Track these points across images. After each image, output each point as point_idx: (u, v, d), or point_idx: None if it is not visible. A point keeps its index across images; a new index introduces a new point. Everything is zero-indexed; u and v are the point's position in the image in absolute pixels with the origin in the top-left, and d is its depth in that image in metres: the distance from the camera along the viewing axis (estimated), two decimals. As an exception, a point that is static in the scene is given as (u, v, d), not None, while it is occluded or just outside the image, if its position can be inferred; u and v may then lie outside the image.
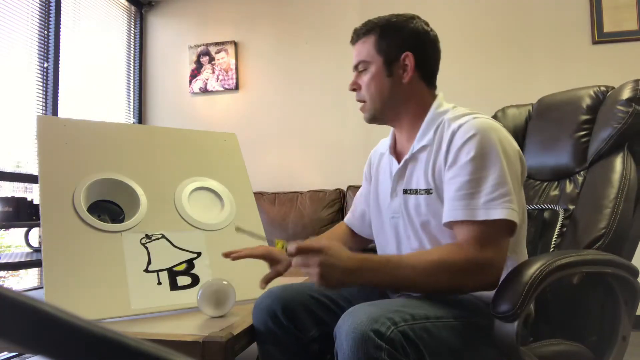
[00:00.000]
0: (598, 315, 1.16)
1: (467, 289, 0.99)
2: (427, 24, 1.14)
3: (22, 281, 2.87)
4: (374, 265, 0.92)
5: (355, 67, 1.14)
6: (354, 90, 1.15)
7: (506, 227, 0.95)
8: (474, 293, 1.02)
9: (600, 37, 3.05)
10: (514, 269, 0.98)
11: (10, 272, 2.73)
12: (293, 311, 1.10)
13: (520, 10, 3.21)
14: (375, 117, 1.13)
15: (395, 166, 1.13)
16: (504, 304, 0.93)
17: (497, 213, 0.92)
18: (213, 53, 3.73)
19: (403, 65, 1.08)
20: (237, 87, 3.67)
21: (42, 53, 2.94)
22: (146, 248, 1.26)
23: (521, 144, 1.55)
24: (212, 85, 3.72)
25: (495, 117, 1.60)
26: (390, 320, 0.84)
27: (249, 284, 1.35)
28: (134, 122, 3.78)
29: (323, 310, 1.13)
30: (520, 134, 1.56)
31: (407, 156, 1.10)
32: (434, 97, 1.12)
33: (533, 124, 1.54)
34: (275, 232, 3.07)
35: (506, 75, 3.18)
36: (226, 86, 3.69)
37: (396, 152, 1.18)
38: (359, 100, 1.15)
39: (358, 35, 1.13)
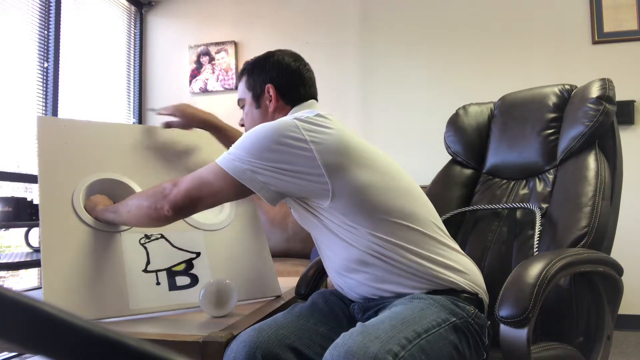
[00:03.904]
0: (583, 315, 1.14)
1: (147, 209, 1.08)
2: (291, 55, 1.24)
3: (22, 281, 2.87)
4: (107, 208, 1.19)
5: (239, 105, 1.29)
6: (242, 125, 1.29)
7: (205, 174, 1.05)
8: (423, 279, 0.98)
9: (600, 37, 3.05)
10: (514, 273, 0.96)
11: (10, 272, 2.73)
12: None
13: (520, 10, 3.22)
14: None
15: None
16: (511, 308, 0.89)
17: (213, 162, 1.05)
18: (213, 53, 3.73)
19: (269, 97, 1.20)
20: (237, 87, 3.66)
21: (42, 53, 2.94)
22: (145, 248, 1.26)
23: (485, 142, 1.54)
24: (212, 85, 3.72)
25: (456, 114, 1.60)
26: (390, 353, 0.78)
27: (248, 284, 1.35)
28: (134, 122, 3.78)
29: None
30: (484, 132, 1.55)
31: None
32: None
33: (497, 122, 1.53)
34: (275, 232, 3.08)
35: (506, 74, 3.18)
36: (226, 86, 3.69)
37: None
38: None
39: (237, 77, 1.24)
